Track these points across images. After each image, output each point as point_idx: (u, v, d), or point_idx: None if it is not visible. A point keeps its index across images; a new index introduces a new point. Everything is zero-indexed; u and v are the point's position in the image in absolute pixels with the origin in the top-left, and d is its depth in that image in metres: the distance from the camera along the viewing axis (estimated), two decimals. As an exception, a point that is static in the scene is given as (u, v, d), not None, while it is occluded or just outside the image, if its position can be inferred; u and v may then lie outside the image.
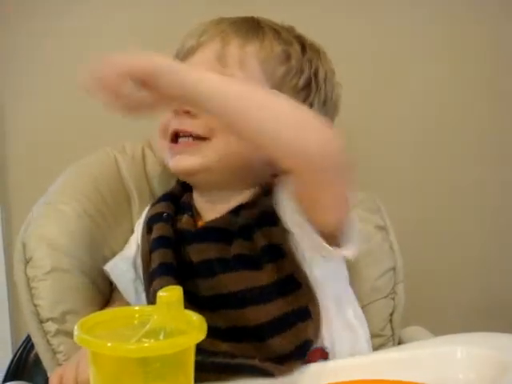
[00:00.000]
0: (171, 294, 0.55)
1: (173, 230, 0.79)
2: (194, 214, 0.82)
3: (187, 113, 0.75)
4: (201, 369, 0.64)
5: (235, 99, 0.63)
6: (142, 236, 0.82)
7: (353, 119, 1.00)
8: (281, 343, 0.71)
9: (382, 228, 0.86)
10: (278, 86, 0.79)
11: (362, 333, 0.79)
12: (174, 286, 0.56)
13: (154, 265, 0.77)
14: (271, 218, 0.75)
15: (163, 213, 0.81)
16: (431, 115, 1.25)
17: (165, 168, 0.90)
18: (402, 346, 0.74)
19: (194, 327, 0.55)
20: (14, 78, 1.19)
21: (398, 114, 1.24)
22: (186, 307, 0.55)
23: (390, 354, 0.73)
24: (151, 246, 0.79)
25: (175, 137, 0.78)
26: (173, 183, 0.90)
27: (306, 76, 0.82)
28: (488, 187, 1.28)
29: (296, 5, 1.18)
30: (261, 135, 0.64)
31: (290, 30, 0.85)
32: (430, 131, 1.26)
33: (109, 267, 0.84)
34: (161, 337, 0.54)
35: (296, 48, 0.82)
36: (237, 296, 0.73)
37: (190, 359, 0.56)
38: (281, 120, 0.63)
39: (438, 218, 1.25)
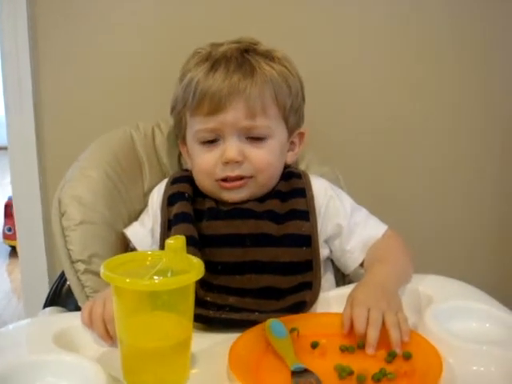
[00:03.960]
0: (177, 242, 0.65)
1: (192, 208, 0.93)
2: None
3: (237, 162, 0.91)
4: (210, 322, 0.80)
5: None
6: (162, 208, 0.95)
7: (318, 101, 1.09)
8: (280, 281, 0.86)
9: None
10: (288, 115, 0.94)
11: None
12: (179, 236, 0.66)
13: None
14: (301, 213, 0.92)
15: (185, 193, 0.95)
16: (389, 95, 1.33)
17: (169, 144, 1.08)
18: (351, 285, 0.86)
19: (195, 268, 0.65)
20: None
21: (358, 96, 1.32)
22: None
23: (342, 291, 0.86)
24: (173, 219, 0.92)
25: (225, 177, 0.92)
26: (175, 156, 1.07)
27: (300, 95, 0.96)
28: (445, 167, 1.38)
29: None
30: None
31: (275, 55, 0.94)
32: (388, 111, 1.34)
33: (130, 233, 0.97)
34: (168, 275, 0.64)
35: (289, 75, 0.93)
36: (262, 263, 0.88)
37: (191, 293, 0.66)
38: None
39: (392, 194, 1.38)
